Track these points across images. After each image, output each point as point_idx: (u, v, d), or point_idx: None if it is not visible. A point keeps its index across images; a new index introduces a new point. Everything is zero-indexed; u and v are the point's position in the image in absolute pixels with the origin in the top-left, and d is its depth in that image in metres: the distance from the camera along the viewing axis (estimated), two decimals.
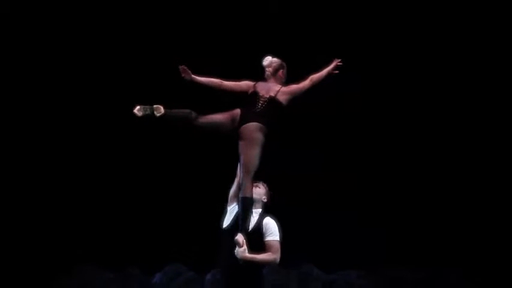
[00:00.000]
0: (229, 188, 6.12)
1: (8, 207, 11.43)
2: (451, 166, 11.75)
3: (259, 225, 5.81)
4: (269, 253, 5.74)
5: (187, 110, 6.06)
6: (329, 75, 6.25)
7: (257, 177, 6.00)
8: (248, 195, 5.85)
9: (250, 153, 5.97)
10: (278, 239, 5.80)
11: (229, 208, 6.01)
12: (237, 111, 6.16)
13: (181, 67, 6.26)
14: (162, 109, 5.97)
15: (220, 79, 6.34)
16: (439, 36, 11.60)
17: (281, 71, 6.44)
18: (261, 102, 6.20)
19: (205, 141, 11.53)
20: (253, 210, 5.89)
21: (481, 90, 11.62)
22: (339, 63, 6.29)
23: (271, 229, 5.83)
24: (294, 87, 6.35)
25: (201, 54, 11.40)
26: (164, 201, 11.71)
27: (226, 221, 5.96)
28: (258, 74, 6.45)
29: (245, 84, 6.37)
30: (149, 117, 5.91)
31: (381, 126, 11.77)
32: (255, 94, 6.28)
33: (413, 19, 11.54)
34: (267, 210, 6.01)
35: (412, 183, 11.75)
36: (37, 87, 11.60)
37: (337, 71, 6.27)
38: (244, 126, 6.05)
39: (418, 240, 11.50)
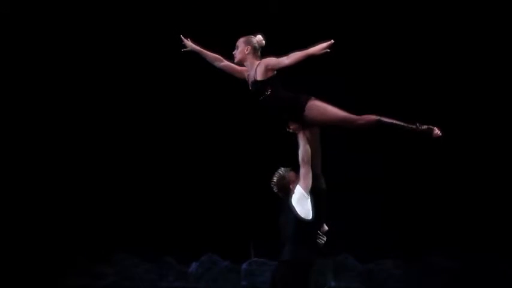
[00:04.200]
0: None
1: (50, 196, 11.58)
2: (484, 151, 11.66)
3: None
4: None
5: None
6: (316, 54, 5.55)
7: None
8: None
9: None
10: None
11: None
12: None
13: (184, 37, 6.08)
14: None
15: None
16: (436, 34, 11.57)
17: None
18: None
19: (243, 132, 11.58)
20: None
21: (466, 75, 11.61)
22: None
23: None
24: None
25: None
26: (201, 192, 11.76)
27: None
28: None
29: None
30: None
31: None
32: None
33: (414, 19, 11.50)
34: None
35: (449, 169, 11.69)
36: (37, 86, 11.68)
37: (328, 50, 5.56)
38: None
39: (456, 228, 11.43)
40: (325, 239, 5.80)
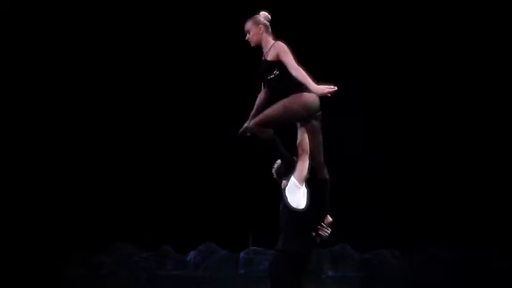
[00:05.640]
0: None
1: (48, 186, 11.59)
2: (491, 145, 11.67)
3: None
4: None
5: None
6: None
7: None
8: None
9: None
10: None
11: None
12: None
13: (239, 133, 6.00)
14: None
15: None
16: (439, 36, 11.58)
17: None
18: None
19: (242, 122, 11.56)
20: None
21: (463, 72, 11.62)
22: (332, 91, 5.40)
23: None
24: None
25: (201, 54, 11.45)
26: (199, 181, 11.77)
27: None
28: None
29: None
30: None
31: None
32: None
33: (414, 19, 11.51)
34: None
35: (448, 159, 11.70)
36: (36, 85, 11.68)
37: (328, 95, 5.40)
38: None
39: (453, 219, 11.45)
40: (329, 231, 5.65)
